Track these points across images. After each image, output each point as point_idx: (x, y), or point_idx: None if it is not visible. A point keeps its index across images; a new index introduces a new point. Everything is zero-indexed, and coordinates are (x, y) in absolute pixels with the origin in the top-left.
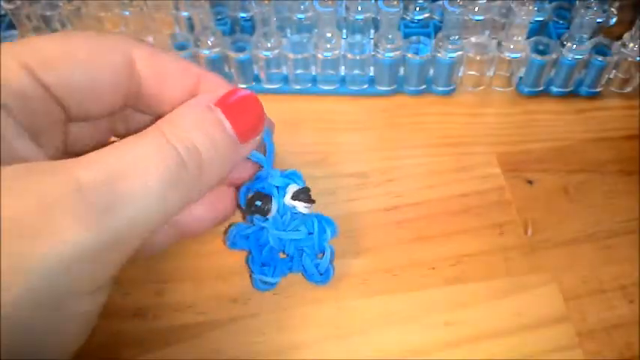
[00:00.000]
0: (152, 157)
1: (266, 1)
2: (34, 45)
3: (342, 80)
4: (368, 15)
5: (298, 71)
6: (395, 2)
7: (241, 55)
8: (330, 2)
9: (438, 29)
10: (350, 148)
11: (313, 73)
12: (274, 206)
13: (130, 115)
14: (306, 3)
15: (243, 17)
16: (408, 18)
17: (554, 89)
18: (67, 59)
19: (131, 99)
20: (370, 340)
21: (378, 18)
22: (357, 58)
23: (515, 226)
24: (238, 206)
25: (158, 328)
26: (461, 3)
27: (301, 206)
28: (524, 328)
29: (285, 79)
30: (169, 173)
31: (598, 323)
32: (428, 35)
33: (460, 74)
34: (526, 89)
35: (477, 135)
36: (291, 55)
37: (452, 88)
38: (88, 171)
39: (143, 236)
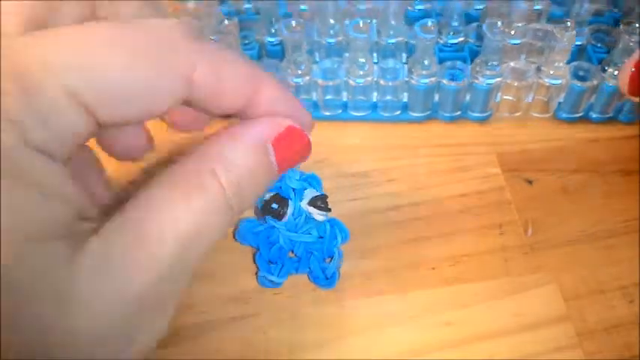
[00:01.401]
0: (215, 223)
1: (298, 28)
2: (81, 60)
3: (374, 106)
4: (400, 39)
5: (328, 97)
6: (432, 27)
7: None
8: (363, 27)
9: (473, 52)
10: (350, 149)
11: (344, 99)
12: (290, 210)
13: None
14: (336, 26)
15: (270, 42)
16: (442, 42)
17: (594, 115)
18: (128, 91)
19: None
20: (370, 340)
21: (411, 42)
22: (390, 84)
23: (515, 226)
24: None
25: None
26: (501, 29)
27: (316, 213)
28: (523, 328)
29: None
30: (224, 230)
31: (598, 323)
32: (463, 59)
33: (497, 99)
34: (564, 115)
35: (477, 135)
36: (321, 82)
37: (488, 114)
38: (165, 249)
39: None
